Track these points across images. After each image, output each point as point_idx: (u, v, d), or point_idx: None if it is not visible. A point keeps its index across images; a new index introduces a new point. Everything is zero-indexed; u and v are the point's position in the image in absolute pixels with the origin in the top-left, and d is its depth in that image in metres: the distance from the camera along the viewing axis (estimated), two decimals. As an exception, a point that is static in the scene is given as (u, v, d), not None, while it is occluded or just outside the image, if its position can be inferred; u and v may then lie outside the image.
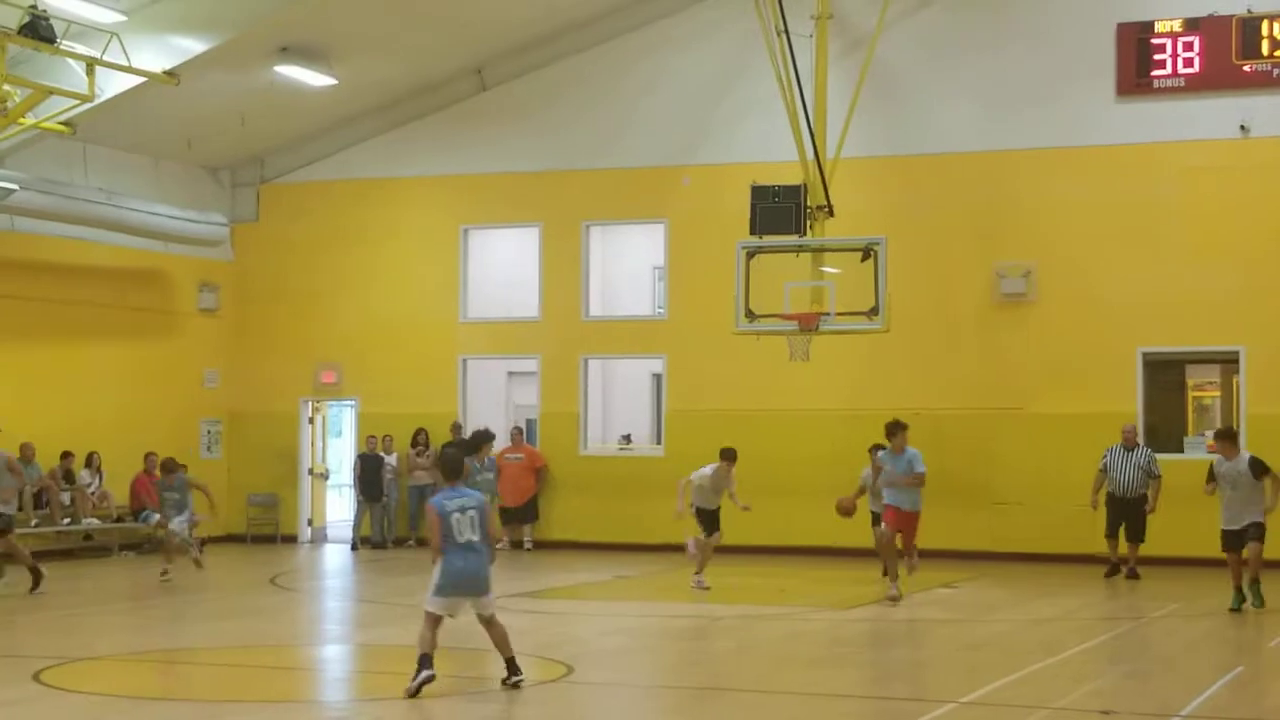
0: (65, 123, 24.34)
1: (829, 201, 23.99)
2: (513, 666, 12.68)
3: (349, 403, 30.73)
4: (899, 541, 19.97)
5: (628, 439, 30.22)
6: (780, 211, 23.72)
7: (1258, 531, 17.77)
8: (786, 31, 23.54)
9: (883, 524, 20.18)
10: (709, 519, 21.68)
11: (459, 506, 12.51)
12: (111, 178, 27.47)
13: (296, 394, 30.55)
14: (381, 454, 29.29)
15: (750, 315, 23.59)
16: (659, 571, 24.87)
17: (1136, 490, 22.27)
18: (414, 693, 12.06)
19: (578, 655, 15.81)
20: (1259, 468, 17.78)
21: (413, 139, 30.08)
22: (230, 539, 29.67)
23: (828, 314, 23.42)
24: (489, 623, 12.76)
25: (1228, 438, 18.52)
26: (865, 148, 25.41)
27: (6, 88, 22.84)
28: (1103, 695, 13.75)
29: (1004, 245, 26.33)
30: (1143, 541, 22.36)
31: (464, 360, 29.91)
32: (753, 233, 23.70)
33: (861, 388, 25.79)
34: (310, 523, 30.89)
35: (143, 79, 24.26)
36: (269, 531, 30.23)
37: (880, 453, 20.45)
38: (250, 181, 31.01)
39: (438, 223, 30.02)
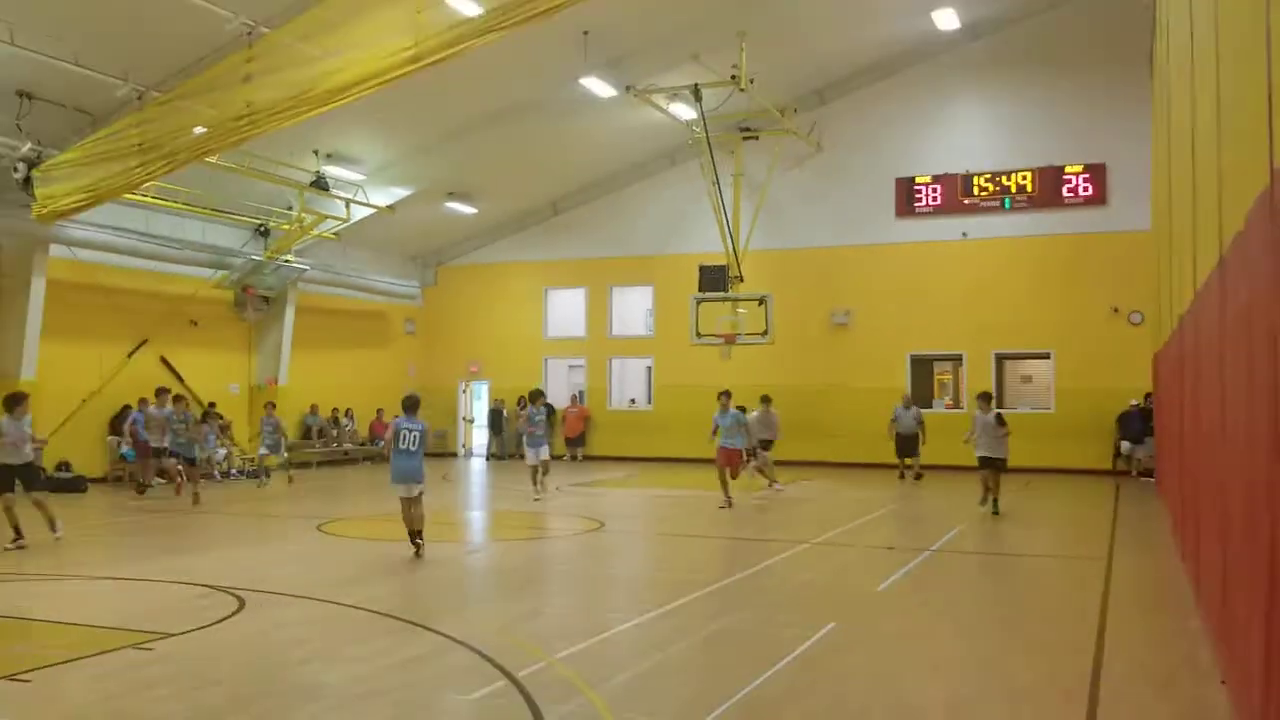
0: (335, 233, 24.92)
1: (741, 273, 24.20)
2: (415, 538, 11.84)
3: (485, 381, 30.91)
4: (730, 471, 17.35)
5: (633, 401, 30.72)
6: (715, 279, 23.89)
7: (1000, 464, 15.77)
8: (718, 181, 23.78)
9: (719, 461, 17.23)
10: (766, 445, 20.40)
11: (407, 428, 11.76)
12: (359, 262, 27.88)
13: (457, 377, 30.92)
14: (501, 409, 29.83)
15: (698, 335, 23.68)
16: (649, 472, 24.92)
17: (912, 430, 21.65)
18: (416, 554, 11.66)
19: (607, 515, 16.19)
20: (1000, 420, 15.77)
21: (518, 241, 30.26)
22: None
23: (740, 334, 23.64)
24: (414, 503, 11.79)
25: (985, 399, 16.14)
26: (761, 244, 25.69)
27: (305, 215, 23.59)
28: (890, 537, 14.20)
29: (836, 297, 26.54)
30: (918, 457, 21.74)
31: (546, 359, 30.23)
32: (700, 290, 23.83)
33: (757, 373, 25.86)
34: (463, 445, 31.22)
35: (374, 209, 24.67)
36: (440, 450, 30.24)
37: (717, 413, 17.58)
38: (432, 264, 31.23)
39: (531, 286, 30.19)
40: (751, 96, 22.26)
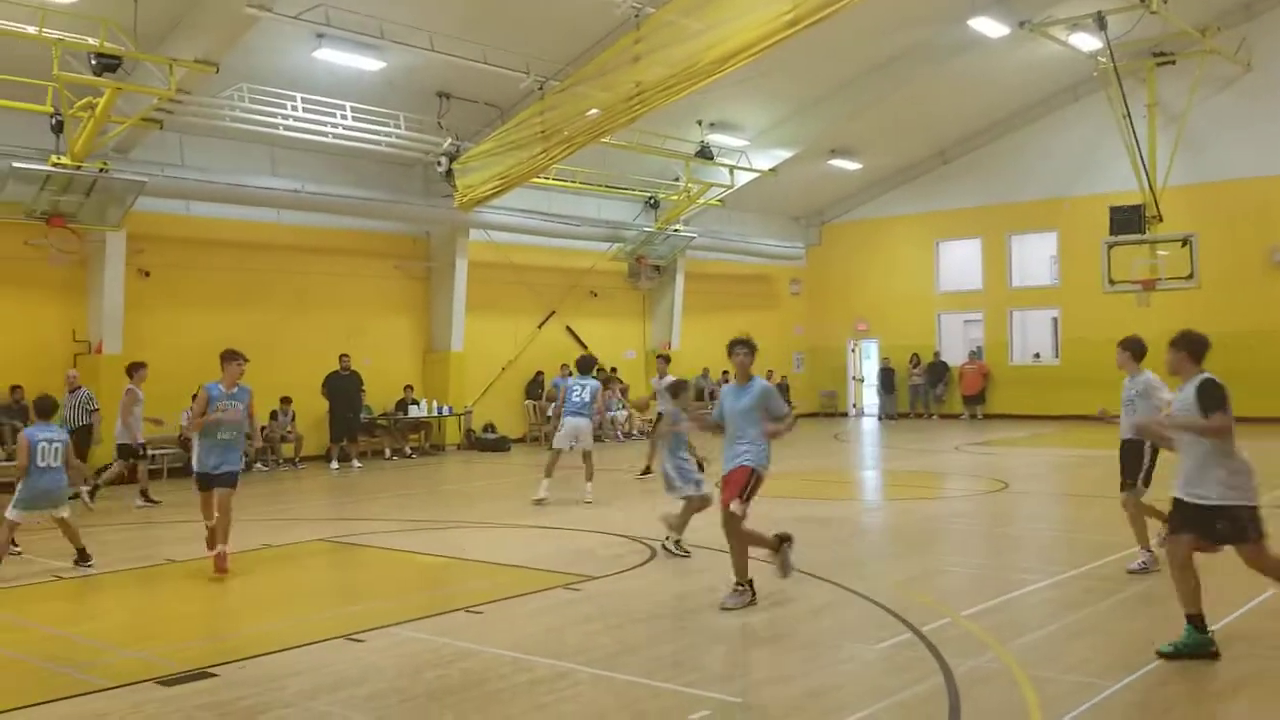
0: (720, 200, 25.94)
1: (1159, 212, 22.93)
2: (82, 555, 9.91)
3: (874, 340, 30.99)
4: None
5: (1037, 356, 29.66)
6: (1129, 220, 22.89)
7: None
8: (1129, 114, 22.55)
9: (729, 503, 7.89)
10: None
11: (46, 439, 9.59)
12: (743, 226, 28.80)
13: (844, 336, 31.24)
14: (891, 367, 29.87)
15: (1111, 282, 22.86)
16: (1056, 431, 24.18)
17: None
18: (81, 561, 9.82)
19: (1011, 475, 15.96)
20: None
21: (904, 193, 30.02)
22: (810, 416, 30.23)
23: (1160, 279, 22.54)
24: (62, 524, 9.81)
25: None
26: (1181, 179, 23.97)
27: (692, 185, 24.78)
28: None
29: (1276, 232, 24.35)
30: None
31: (939, 315, 29.94)
32: (1112, 233, 22.85)
33: (1179, 321, 24.17)
34: (854, 405, 31.53)
35: (758, 174, 25.48)
36: (830, 410, 31.17)
37: (724, 386, 9.00)
38: (816, 223, 31.62)
39: (920, 238, 29.92)
40: (1164, 17, 20.78)
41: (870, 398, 31.70)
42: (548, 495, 13.56)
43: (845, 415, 30.97)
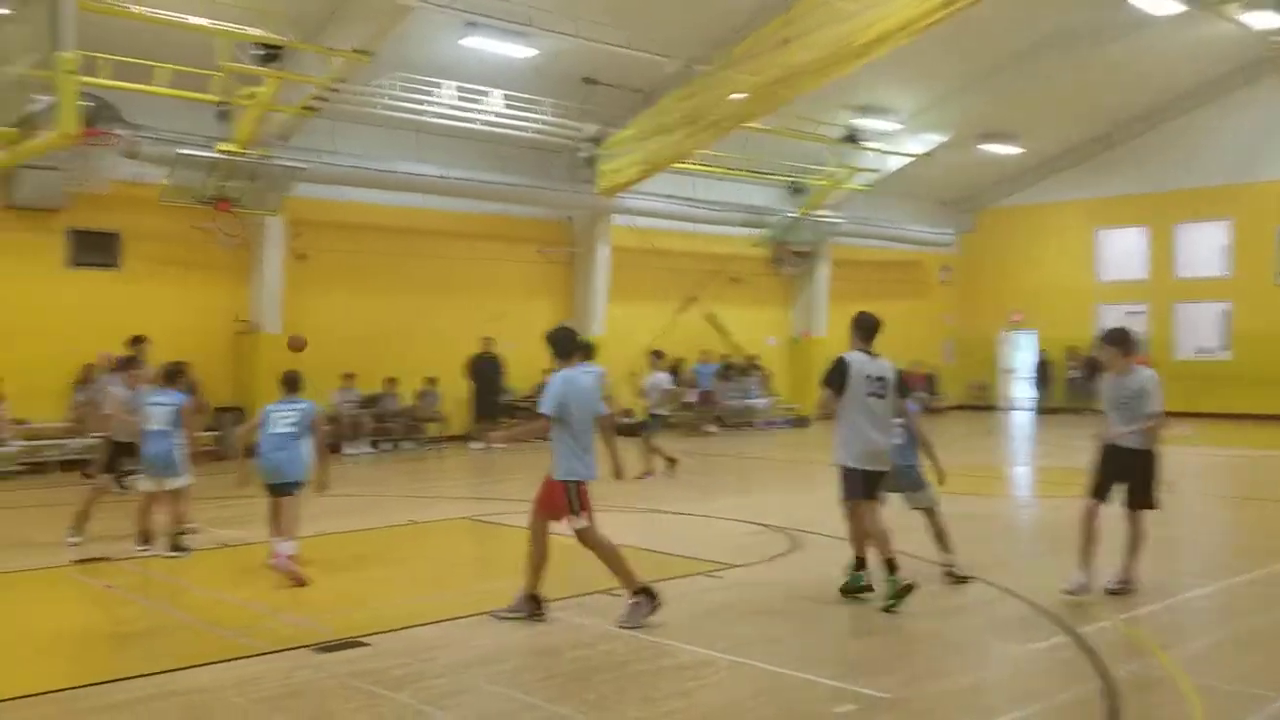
0: (867, 185, 25.48)
1: None
2: (141, 536, 9.75)
3: (1030, 332, 30.03)
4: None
5: (1204, 351, 28.27)
6: None
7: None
8: None
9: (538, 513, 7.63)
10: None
11: (152, 403, 9.68)
12: (889, 213, 28.07)
13: (997, 327, 30.37)
14: (1048, 360, 28.90)
15: None
16: (1222, 429, 22.77)
17: None
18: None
19: (1169, 474, 15.45)
20: None
21: (1064, 179, 29.00)
22: (959, 408, 29.51)
23: None
24: (150, 497, 9.76)
25: None
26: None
27: (838, 170, 24.38)
28: None
29: None
30: None
31: (1098, 306, 28.78)
32: None
33: None
34: (1005, 399, 30.73)
35: (910, 158, 25.07)
36: (980, 403, 30.34)
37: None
38: (970, 209, 30.78)
39: (1079, 225, 28.90)
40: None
41: (1022, 390, 30.78)
42: None
43: (995, 409, 30.14)
